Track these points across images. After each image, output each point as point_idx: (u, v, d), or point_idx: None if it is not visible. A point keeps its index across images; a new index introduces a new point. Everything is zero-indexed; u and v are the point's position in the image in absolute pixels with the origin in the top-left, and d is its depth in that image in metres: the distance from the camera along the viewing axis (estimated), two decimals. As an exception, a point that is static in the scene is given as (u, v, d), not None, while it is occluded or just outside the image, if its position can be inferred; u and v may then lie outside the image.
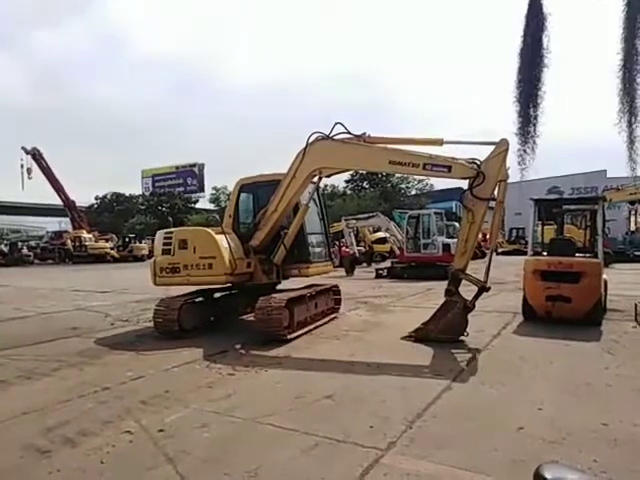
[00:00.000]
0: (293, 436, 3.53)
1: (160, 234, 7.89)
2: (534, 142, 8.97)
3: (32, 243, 48.60)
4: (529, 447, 3.23)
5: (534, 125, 8.87)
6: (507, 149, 6.25)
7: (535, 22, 8.25)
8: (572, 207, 10.89)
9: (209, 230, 7.62)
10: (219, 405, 4.23)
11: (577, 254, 8.11)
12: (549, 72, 8.59)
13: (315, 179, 7.57)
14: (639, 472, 2.92)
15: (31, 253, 39.76)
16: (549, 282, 7.40)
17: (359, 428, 3.62)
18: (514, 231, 35.83)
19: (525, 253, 9.09)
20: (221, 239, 7.36)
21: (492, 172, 6.22)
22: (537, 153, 9.04)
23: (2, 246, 45.93)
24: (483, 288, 6.43)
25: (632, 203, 22.77)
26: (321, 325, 7.91)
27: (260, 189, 8.29)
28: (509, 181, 6.47)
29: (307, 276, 8.18)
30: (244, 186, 8.42)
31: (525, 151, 9.01)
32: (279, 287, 8.12)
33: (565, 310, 7.34)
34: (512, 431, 3.50)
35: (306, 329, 7.33)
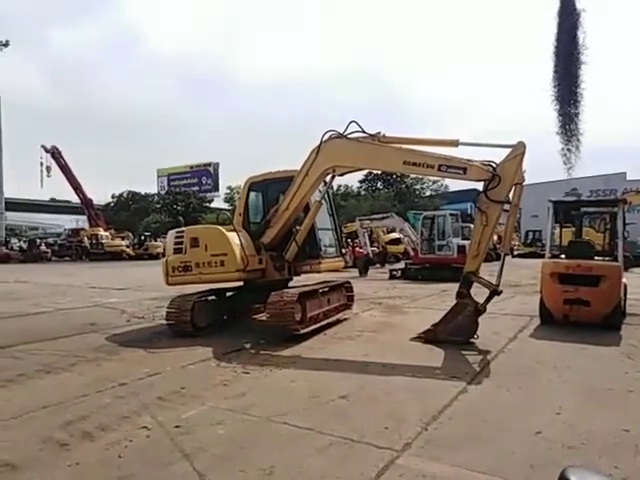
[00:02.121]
0: (308, 435, 3.53)
1: (171, 233, 7.96)
2: (578, 140, 8.79)
3: (50, 240, 49.49)
4: (547, 452, 3.19)
5: (576, 123, 8.67)
6: (524, 152, 6.18)
7: (569, 20, 8.11)
8: (591, 209, 10.72)
9: (220, 228, 7.67)
10: (234, 403, 4.25)
11: (596, 257, 7.98)
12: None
13: (328, 178, 7.57)
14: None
15: (49, 250, 40.50)
16: (567, 285, 7.29)
17: (374, 428, 3.61)
18: (530, 233, 35.40)
19: (541, 256, 8.98)
20: (232, 236, 7.41)
21: (508, 175, 6.16)
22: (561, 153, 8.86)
23: (21, 243, 46.89)
24: (495, 291, 6.37)
25: (652, 206, 22.30)
26: (335, 321, 7.93)
27: (269, 186, 8.34)
28: (524, 184, 6.41)
29: (318, 272, 8.22)
30: (253, 184, 8.47)
31: (569, 150, 8.82)
32: (291, 284, 8.14)
33: (583, 314, 7.23)
34: (530, 435, 3.45)
35: (319, 324, 7.34)
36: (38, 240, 46.47)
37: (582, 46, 8.21)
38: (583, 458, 3.08)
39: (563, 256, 8.19)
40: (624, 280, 7.63)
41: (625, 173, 39.16)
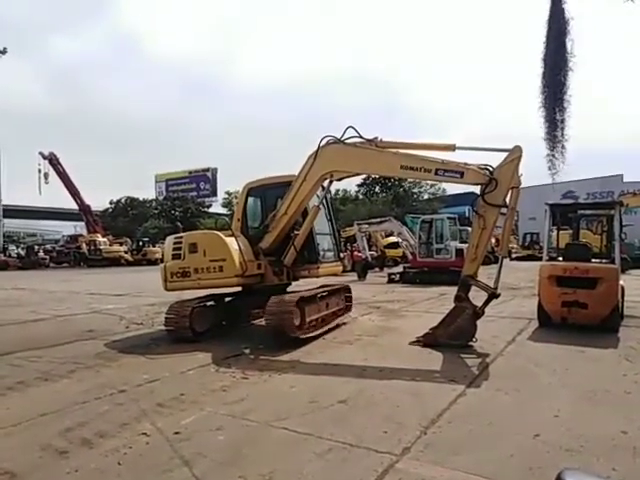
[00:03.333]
0: (307, 440, 3.53)
1: (170, 239, 7.98)
2: (563, 146, 8.92)
3: (48, 247, 49.42)
4: (546, 454, 3.20)
5: (562, 129, 8.81)
6: (520, 156, 6.21)
7: (557, 27, 8.20)
8: (588, 212, 10.77)
9: (219, 233, 7.69)
10: (233, 408, 4.25)
11: (593, 260, 8.01)
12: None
13: (325, 183, 7.60)
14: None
15: (47, 256, 40.48)
16: (565, 288, 7.31)
17: (373, 433, 3.62)
18: (528, 236, 35.47)
19: (539, 258, 9.02)
20: (231, 241, 7.43)
21: (505, 179, 6.20)
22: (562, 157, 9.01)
23: (19, 249, 46.84)
24: (493, 294, 6.40)
25: (649, 208, 22.33)
26: (334, 326, 7.93)
27: (267, 192, 8.36)
28: (522, 187, 6.45)
29: (317, 277, 8.24)
30: (251, 189, 8.49)
31: (554, 156, 8.96)
32: (289, 289, 8.15)
33: (581, 316, 7.25)
34: (528, 438, 3.46)
35: (319, 331, 7.34)
36: (36, 247, 46.39)
37: (569, 53, 8.33)
38: (581, 460, 3.08)
39: (561, 259, 8.22)
40: (621, 282, 7.65)
41: (622, 175, 39.29)
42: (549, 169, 9.15)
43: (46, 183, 38.97)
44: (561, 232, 10.33)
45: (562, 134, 8.85)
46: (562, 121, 8.79)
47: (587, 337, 6.80)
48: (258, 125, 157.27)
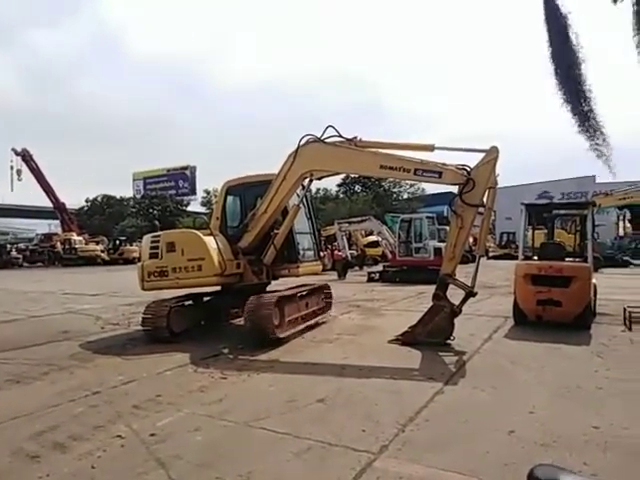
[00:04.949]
0: (285, 440, 3.52)
1: (147, 238, 7.87)
2: (602, 132, 8.90)
3: (21, 245, 48.04)
4: (520, 450, 3.26)
5: (594, 119, 8.80)
6: (497, 157, 6.31)
7: (557, 24, 8.25)
8: (562, 212, 10.99)
9: (197, 232, 7.62)
10: (211, 409, 4.21)
11: (567, 258, 8.19)
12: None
13: (305, 182, 7.59)
14: (629, 475, 2.96)
15: (20, 256, 39.35)
16: (540, 286, 7.46)
17: (351, 432, 3.63)
18: (504, 235, 36.10)
19: (515, 257, 9.15)
20: (210, 240, 7.35)
21: (482, 179, 6.28)
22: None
23: (-10, 248, 45.37)
24: (470, 293, 6.49)
25: (621, 208, 22.98)
26: (313, 324, 7.94)
27: (247, 190, 8.31)
28: (498, 187, 6.56)
29: (297, 276, 8.21)
30: (231, 188, 8.42)
31: (598, 144, 8.93)
32: (269, 288, 8.11)
33: (555, 314, 7.41)
34: (504, 434, 3.52)
35: (298, 328, 7.33)
36: (8, 246, 45.05)
37: (576, 46, 8.36)
38: (554, 456, 3.15)
39: (536, 258, 8.38)
40: (594, 280, 7.85)
41: (594, 176, 40.18)
42: (597, 157, 9.15)
43: (19, 180, 37.95)
44: (536, 231, 10.54)
45: (597, 122, 8.83)
46: (590, 111, 8.77)
47: (561, 334, 6.95)
48: (243, 124, 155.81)
